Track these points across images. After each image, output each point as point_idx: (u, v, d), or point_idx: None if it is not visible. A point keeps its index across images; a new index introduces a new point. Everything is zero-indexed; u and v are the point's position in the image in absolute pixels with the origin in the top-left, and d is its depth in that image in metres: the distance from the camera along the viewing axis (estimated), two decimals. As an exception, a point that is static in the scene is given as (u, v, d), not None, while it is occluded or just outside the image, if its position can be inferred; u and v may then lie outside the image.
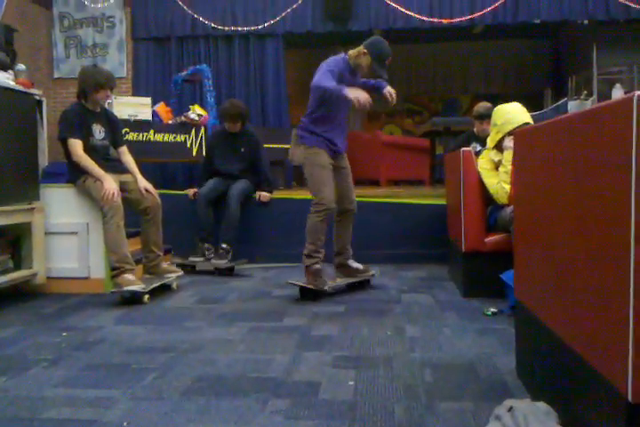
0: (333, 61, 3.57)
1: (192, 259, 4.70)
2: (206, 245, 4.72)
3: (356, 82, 3.69)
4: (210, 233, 4.75)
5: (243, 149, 4.85)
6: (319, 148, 3.62)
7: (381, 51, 3.52)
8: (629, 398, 1.20)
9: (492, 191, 3.52)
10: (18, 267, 3.72)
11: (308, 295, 3.60)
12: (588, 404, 1.45)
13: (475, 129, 4.95)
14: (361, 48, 3.58)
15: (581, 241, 1.47)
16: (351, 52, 3.61)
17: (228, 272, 4.54)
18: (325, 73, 3.46)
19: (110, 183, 3.63)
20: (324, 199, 3.55)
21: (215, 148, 4.97)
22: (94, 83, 3.72)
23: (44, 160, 5.22)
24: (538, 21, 7.60)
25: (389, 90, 3.73)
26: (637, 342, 1.19)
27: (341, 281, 3.80)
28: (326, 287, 3.63)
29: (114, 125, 3.97)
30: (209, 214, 4.76)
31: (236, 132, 4.86)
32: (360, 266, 3.93)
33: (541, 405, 1.63)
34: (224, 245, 4.62)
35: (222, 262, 4.57)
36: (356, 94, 3.33)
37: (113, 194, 3.60)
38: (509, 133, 3.39)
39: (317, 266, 3.61)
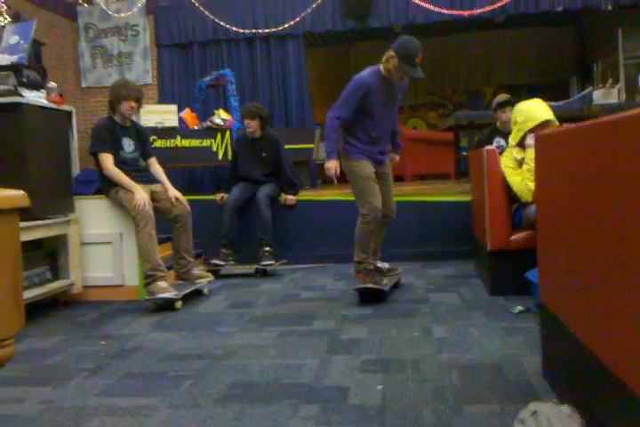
0: (359, 81, 3.51)
1: (215, 262, 4.79)
2: (226, 250, 4.79)
3: (394, 91, 3.63)
4: (232, 241, 4.83)
5: (264, 154, 4.93)
6: (360, 159, 3.63)
7: (407, 50, 3.41)
8: (647, 404, 1.23)
9: (515, 189, 3.52)
10: (55, 277, 3.85)
11: (370, 297, 3.58)
12: (609, 409, 1.48)
13: (497, 123, 4.97)
14: (389, 52, 3.49)
15: (605, 245, 1.49)
16: (383, 58, 3.54)
17: (263, 272, 4.69)
18: (341, 104, 3.52)
19: (141, 194, 3.74)
20: (371, 211, 3.56)
21: (238, 154, 5.07)
22: (118, 95, 3.83)
23: (75, 169, 5.38)
24: (560, 9, 7.49)
25: (328, 165, 3.62)
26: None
27: (387, 282, 3.82)
28: (385, 287, 3.64)
29: (143, 138, 4.08)
30: (234, 222, 4.84)
31: (257, 137, 4.94)
32: (387, 265, 3.97)
33: (565, 408, 1.66)
34: (267, 248, 4.74)
35: (270, 263, 4.71)
36: (328, 167, 3.55)
37: (144, 204, 3.71)
38: (531, 131, 3.40)
39: (370, 267, 3.68)
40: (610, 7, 7.72)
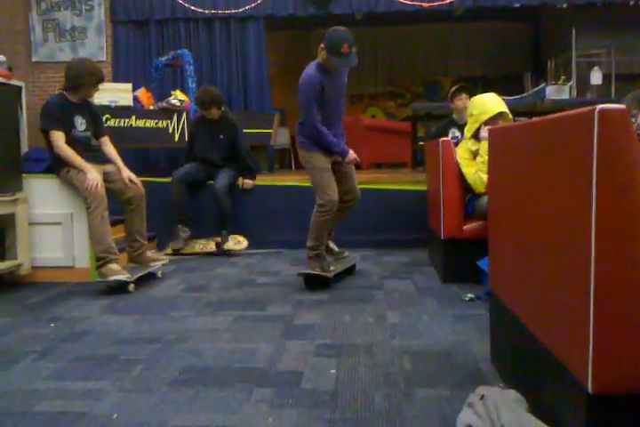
0: (308, 81, 3.48)
1: (174, 246, 4.73)
2: (184, 227, 4.73)
3: (339, 81, 3.64)
4: (185, 214, 4.75)
5: (222, 136, 4.87)
6: (315, 151, 3.65)
7: (332, 41, 3.36)
8: (589, 389, 1.29)
9: (469, 180, 3.60)
10: (2, 257, 3.75)
11: (315, 283, 3.62)
12: (553, 393, 1.55)
13: (454, 115, 5.04)
14: (321, 44, 3.48)
15: (547, 237, 1.55)
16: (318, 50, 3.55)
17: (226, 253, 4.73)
18: (309, 110, 3.53)
19: (93, 174, 3.65)
20: (328, 202, 3.59)
21: (195, 135, 4.99)
22: (90, 79, 3.72)
23: (25, 147, 5.21)
24: (517, 5, 7.62)
25: (351, 157, 3.74)
26: (597, 334, 1.27)
27: (339, 268, 3.85)
28: (330, 274, 3.67)
29: (95, 116, 3.98)
30: (182, 196, 4.74)
31: (215, 120, 4.87)
32: (335, 247, 4.04)
33: (512, 392, 1.72)
34: (225, 232, 4.76)
35: (230, 243, 4.76)
36: (351, 159, 3.74)
37: (96, 185, 3.62)
38: (485, 124, 3.47)
39: (322, 254, 3.72)
40: (565, 5, 7.91)
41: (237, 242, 4.82)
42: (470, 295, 3.25)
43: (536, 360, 1.68)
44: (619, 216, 1.24)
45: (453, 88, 5.06)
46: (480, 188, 3.56)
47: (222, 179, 4.81)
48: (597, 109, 1.22)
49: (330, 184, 3.63)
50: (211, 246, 4.82)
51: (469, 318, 2.88)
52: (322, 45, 3.45)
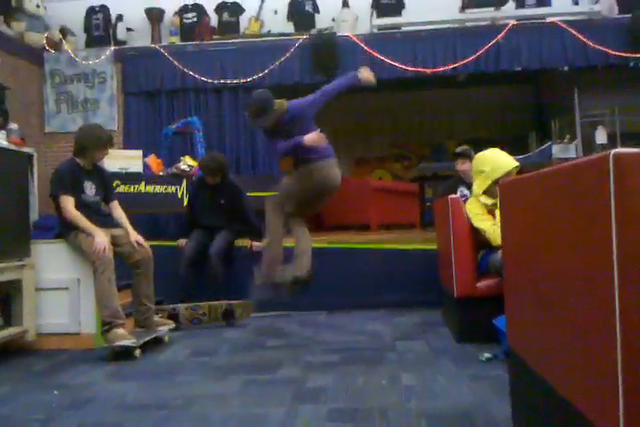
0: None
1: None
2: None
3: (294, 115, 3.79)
4: (191, 294, 4.65)
5: (223, 201, 4.87)
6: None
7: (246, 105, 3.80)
8: (623, 448, 1.20)
9: (488, 234, 3.54)
10: (8, 324, 3.68)
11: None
12: (583, 454, 1.44)
13: (457, 168, 5.10)
14: None
15: (567, 289, 1.49)
16: None
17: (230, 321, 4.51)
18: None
19: (101, 238, 3.64)
20: None
21: (196, 199, 4.99)
22: (97, 142, 3.80)
23: (34, 214, 5.25)
24: (519, 69, 7.83)
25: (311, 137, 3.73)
26: (628, 393, 1.19)
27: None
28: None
29: (106, 181, 4.02)
30: (190, 276, 4.66)
31: (216, 184, 4.90)
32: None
33: (538, 455, 1.61)
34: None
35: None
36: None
37: (104, 248, 3.61)
38: (499, 179, 3.46)
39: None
40: (566, 68, 8.12)
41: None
42: (487, 355, 3.13)
43: (562, 421, 1.58)
44: None
45: (457, 149, 5.14)
46: (499, 241, 3.51)
47: (218, 242, 4.71)
48: (612, 153, 1.20)
49: None
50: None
51: (487, 379, 2.76)
52: None
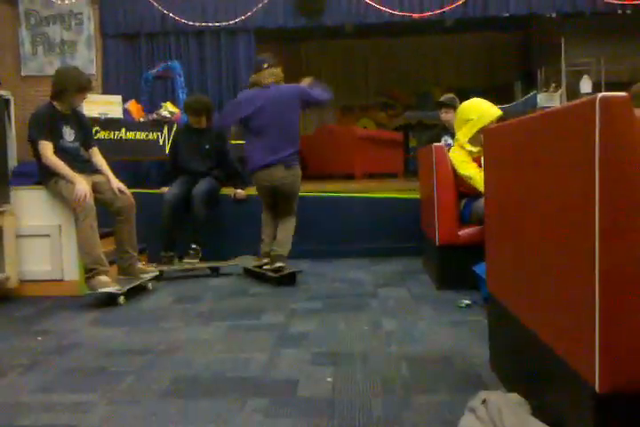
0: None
1: (160, 268, 4.54)
2: (170, 253, 4.55)
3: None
4: (174, 242, 4.58)
5: (207, 146, 4.78)
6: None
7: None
8: (597, 388, 1.24)
9: (474, 181, 3.54)
10: (-11, 271, 3.66)
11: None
12: (558, 395, 1.49)
13: (441, 117, 5.06)
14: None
15: (548, 235, 1.51)
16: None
17: (215, 272, 4.49)
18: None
19: (82, 184, 3.59)
20: None
21: (179, 145, 4.87)
22: (75, 85, 3.68)
23: (13, 161, 5.15)
24: (507, 14, 7.67)
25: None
26: (604, 332, 1.22)
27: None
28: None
29: (84, 127, 3.93)
30: (173, 221, 4.55)
31: (201, 129, 4.80)
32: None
33: (514, 396, 1.67)
34: (194, 246, 4.53)
35: (194, 262, 4.51)
36: None
37: (85, 195, 3.56)
38: (485, 127, 3.45)
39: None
40: (554, 15, 7.98)
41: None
42: (467, 301, 3.19)
43: (539, 362, 1.62)
44: (622, 208, 1.19)
45: (442, 98, 5.08)
46: None
47: (201, 185, 4.62)
48: (599, 97, 1.18)
49: None
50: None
51: (466, 324, 2.82)
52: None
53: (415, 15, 7.53)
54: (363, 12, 7.58)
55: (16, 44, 7.69)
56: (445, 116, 4.94)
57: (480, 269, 3.02)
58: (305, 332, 2.80)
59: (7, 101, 4.07)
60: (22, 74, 7.72)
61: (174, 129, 5.86)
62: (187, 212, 4.62)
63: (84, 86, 3.73)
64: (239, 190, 4.96)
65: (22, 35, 7.70)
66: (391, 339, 2.64)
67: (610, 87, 8.41)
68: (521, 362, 1.82)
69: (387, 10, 7.45)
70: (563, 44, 8.54)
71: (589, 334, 1.24)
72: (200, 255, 4.56)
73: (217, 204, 4.84)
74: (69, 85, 3.68)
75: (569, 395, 1.40)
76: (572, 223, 1.34)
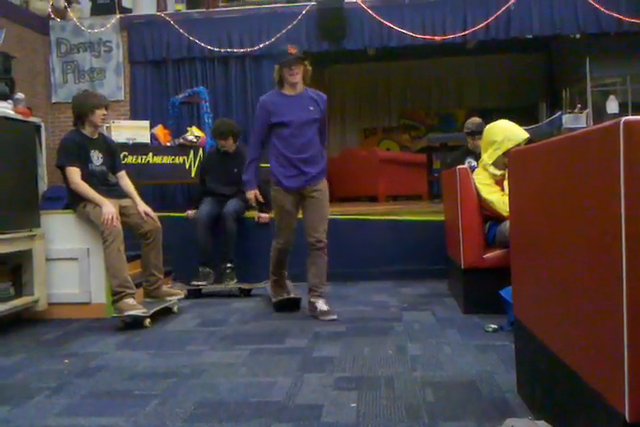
0: (259, 108, 3.76)
1: (195, 282, 4.68)
2: (207, 269, 4.71)
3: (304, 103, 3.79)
4: (210, 257, 4.74)
5: (236, 170, 4.86)
6: (276, 185, 3.76)
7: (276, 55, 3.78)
8: (626, 416, 1.21)
9: (496, 205, 3.52)
10: (19, 294, 3.73)
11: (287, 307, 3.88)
12: (586, 422, 1.46)
13: (468, 145, 5.02)
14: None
15: (575, 259, 1.49)
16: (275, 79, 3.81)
17: (246, 293, 4.58)
18: (252, 139, 3.87)
19: (109, 208, 3.65)
20: (277, 243, 3.84)
21: (208, 169, 5.00)
22: (90, 105, 3.79)
23: (43, 185, 5.27)
24: (530, 36, 7.68)
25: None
26: (632, 360, 1.20)
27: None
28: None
29: (112, 151, 4.01)
30: (207, 239, 4.73)
31: (229, 153, 4.90)
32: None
33: (542, 423, 1.64)
34: (229, 265, 4.67)
35: (233, 282, 4.66)
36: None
37: (112, 217, 3.62)
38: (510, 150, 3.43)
39: (278, 280, 3.99)
40: (578, 35, 7.96)
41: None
42: (493, 326, 3.15)
43: (567, 389, 1.59)
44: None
45: (471, 125, 4.92)
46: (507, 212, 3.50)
47: (231, 205, 4.78)
48: (622, 121, 1.18)
49: (284, 226, 3.76)
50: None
51: (493, 349, 2.78)
52: (275, 67, 3.77)
53: (437, 38, 7.58)
54: (385, 35, 7.66)
55: (47, 72, 7.92)
56: (473, 142, 4.88)
57: (507, 293, 2.99)
58: (329, 356, 2.78)
59: (38, 128, 4.16)
60: (52, 101, 7.93)
61: (204, 153, 5.97)
62: (217, 229, 4.77)
63: (97, 104, 3.81)
64: (263, 214, 5.00)
65: (53, 62, 7.93)
66: (416, 364, 2.61)
67: (637, 107, 8.33)
68: (549, 388, 1.79)
69: (408, 33, 7.52)
70: (587, 64, 8.50)
71: (618, 362, 1.22)
72: (235, 275, 4.71)
73: (241, 225, 4.92)
74: (84, 107, 3.79)
75: (598, 423, 1.37)
76: (599, 248, 1.32)
